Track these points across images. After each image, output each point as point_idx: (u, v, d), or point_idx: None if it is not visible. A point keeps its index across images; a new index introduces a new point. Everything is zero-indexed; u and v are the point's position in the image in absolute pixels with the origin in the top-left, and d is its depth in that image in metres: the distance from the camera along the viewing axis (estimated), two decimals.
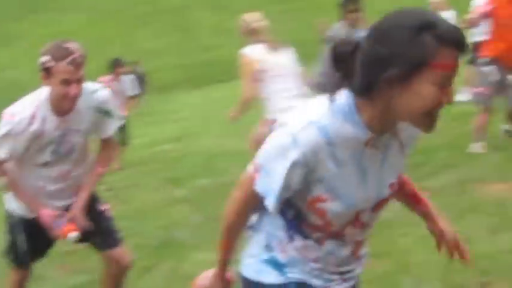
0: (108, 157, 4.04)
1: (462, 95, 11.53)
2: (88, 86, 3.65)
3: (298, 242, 2.10)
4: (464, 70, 11.43)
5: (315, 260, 2.12)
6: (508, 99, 7.23)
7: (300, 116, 1.93)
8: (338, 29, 7.31)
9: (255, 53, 6.27)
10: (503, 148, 7.14)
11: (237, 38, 7.00)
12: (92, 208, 3.93)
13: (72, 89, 3.45)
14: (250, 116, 6.79)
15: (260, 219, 2.17)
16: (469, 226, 4.97)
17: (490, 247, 4.58)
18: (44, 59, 3.46)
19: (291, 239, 2.10)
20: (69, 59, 3.41)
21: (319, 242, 2.09)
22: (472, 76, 11.44)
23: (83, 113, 3.66)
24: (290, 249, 2.11)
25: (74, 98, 3.51)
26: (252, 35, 6.37)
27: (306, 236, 2.09)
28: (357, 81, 1.84)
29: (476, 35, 9.92)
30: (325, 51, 7.24)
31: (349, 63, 1.86)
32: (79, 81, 3.48)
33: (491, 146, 7.21)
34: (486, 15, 7.10)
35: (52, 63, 3.42)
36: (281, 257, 2.12)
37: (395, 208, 5.70)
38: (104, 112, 3.75)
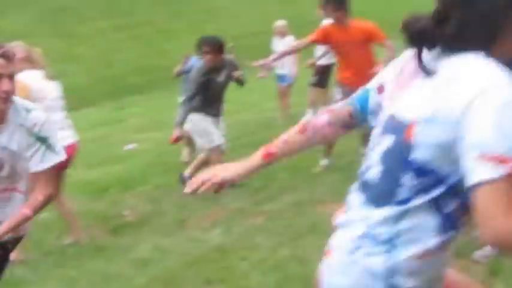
0: (37, 200, 3.33)
1: (307, 117, 11.90)
2: (23, 102, 3.29)
3: (448, 235, 1.87)
4: (309, 92, 11.83)
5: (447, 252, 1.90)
6: None
7: (496, 77, 1.74)
8: (203, 67, 7.43)
9: (30, 79, 6.12)
10: (340, 168, 7.36)
11: (85, 65, 6.85)
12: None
13: (4, 84, 3.08)
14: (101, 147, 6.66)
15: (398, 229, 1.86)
16: (307, 247, 5.08)
17: None
18: None
19: (442, 239, 1.85)
20: (0, 51, 3.07)
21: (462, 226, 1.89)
22: (318, 98, 11.86)
23: (13, 129, 3.22)
24: (432, 254, 1.85)
25: (6, 96, 3.12)
26: (28, 62, 6.21)
27: (457, 226, 1.87)
28: (477, 41, 1.80)
29: (324, 58, 10.34)
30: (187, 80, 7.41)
31: (432, 35, 1.83)
32: (11, 77, 3.11)
33: (331, 166, 7.46)
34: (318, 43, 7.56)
35: None
36: (405, 279, 1.85)
37: (232, 234, 5.81)
38: (37, 138, 3.25)
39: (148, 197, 7.48)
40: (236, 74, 7.53)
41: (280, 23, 12.23)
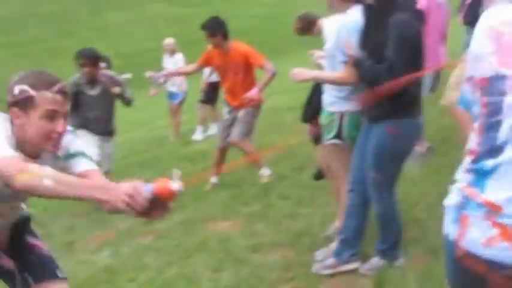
0: None
1: (197, 134, 11.92)
2: None
3: None
4: (198, 109, 11.85)
5: None
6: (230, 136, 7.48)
7: None
8: (77, 78, 7.29)
9: None
10: (229, 186, 7.39)
11: None
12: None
13: (59, 125, 2.73)
14: None
15: None
16: (195, 265, 5.07)
17: (214, 285, 4.67)
18: (19, 89, 2.70)
19: None
20: (57, 86, 2.71)
21: None
22: (207, 115, 11.92)
23: (46, 159, 2.91)
24: None
25: (59, 138, 2.79)
26: None
27: None
28: None
29: (213, 75, 10.38)
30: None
31: None
32: (65, 116, 2.77)
33: (220, 184, 7.48)
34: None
35: (32, 93, 2.69)
36: None
37: (120, 255, 5.73)
38: (69, 156, 2.94)
39: (36, 220, 7.28)
40: (115, 90, 7.40)
41: (168, 40, 12.22)
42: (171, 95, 12.33)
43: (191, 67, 7.82)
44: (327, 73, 4.68)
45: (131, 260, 5.45)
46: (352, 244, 4.56)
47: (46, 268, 3.29)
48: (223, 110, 7.67)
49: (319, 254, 4.87)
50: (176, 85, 12.11)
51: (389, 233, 4.47)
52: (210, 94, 11.33)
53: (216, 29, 7.15)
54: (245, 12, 32.52)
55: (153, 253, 5.53)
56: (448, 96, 6.01)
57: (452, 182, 2.11)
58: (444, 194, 5.84)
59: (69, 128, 2.94)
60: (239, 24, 7.22)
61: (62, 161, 2.93)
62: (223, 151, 7.53)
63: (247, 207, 6.42)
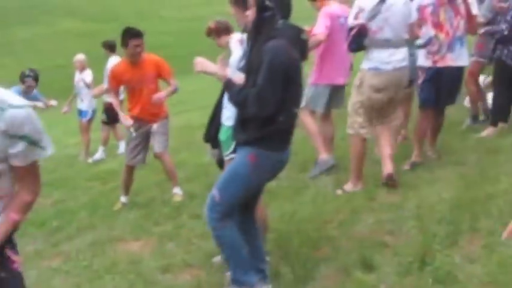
0: (24, 200, 2.89)
1: (98, 154, 11.75)
2: (1, 99, 2.70)
3: None
4: (101, 130, 11.67)
5: None
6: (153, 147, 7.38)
7: None
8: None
9: None
10: (140, 205, 7.28)
11: None
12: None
13: None
14: None
15: None
16: (104, 287, 4.96)
17: None
18: None
19: None
20: None
21: None
22: (110, 134, 11.76)
23: None
24: None
25: None
26: None
27: None
28: None
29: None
30: None
31: None
32: None
33: (130, 203, 7.35)
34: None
35: None
36: None
37: (28, 278, 5.52)
38: (18, 137, 2.75)
39: None
40: None
41: (79, 57, 12.00)
42: (81, 113, 12.09)
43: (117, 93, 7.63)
44: (229, 73, 4.47)
45: (39, 283, 5.25)
46: (256, 269, 4.36)
47: None
48: (131, 128, 7.34)
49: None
50: (85, 102, 11.90)
51: (234, 260, 4.22)
52: (110, 114, 10.93)
53: (135, 37, 7.05)
54: (155, 29, 32.38)
55: (61, 276, 5.37)
56: (351, 123, 6.13)
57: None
58: (356, 211, 5.91)
59: (24, 103, 2.77)
60: (148, 41, 7.13)
61: (13, 139, 2.75)
62: (131, 170, 7.38)
63: (159, 227, 6.32)
